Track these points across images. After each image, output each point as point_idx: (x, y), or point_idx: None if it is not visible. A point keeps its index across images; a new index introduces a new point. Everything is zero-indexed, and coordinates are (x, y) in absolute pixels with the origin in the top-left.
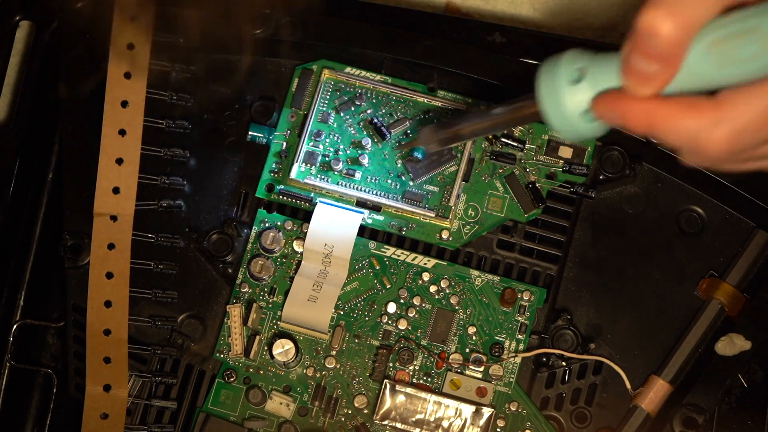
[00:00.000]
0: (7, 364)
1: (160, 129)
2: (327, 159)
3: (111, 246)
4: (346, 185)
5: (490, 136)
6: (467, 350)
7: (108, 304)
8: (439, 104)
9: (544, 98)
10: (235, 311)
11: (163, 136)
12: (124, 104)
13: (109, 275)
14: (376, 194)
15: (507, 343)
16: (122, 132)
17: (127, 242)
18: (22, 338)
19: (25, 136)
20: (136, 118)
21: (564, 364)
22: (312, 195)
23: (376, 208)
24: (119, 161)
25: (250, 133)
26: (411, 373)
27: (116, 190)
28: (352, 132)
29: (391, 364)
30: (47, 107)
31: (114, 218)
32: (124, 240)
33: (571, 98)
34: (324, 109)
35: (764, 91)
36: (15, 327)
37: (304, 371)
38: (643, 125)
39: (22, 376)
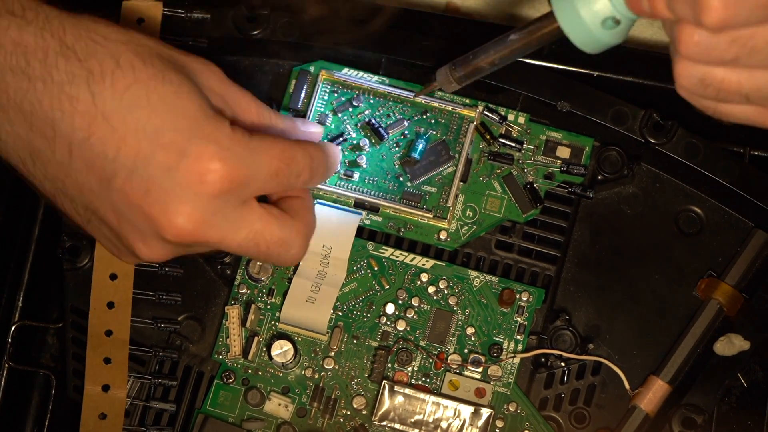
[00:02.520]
0: (6, 365)
1: None
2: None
3: None
4: (344, 186)
5: (488, 136)
6: (466, 351)
7: (111, 305)
8: (437, 105)
9: (562, 16)
10: (233, 312)
11: None
12: None
13: (113, 276)
14: (374, 195)
15: (505, 344)
16: None
17: None
18: (21, 339)
19: None
20: None
21: (563, 364)
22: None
23: (374, 209)
24: None
25: None
26: (409, 374)
27: None
28: (350, 133)
29: (389, 365)
30: None
31: None
32: None
33: (589, 11)
34: (322, 110)
35: None
36: (14, 328)
37: (303, 372)
38: None
39: (21, 378)
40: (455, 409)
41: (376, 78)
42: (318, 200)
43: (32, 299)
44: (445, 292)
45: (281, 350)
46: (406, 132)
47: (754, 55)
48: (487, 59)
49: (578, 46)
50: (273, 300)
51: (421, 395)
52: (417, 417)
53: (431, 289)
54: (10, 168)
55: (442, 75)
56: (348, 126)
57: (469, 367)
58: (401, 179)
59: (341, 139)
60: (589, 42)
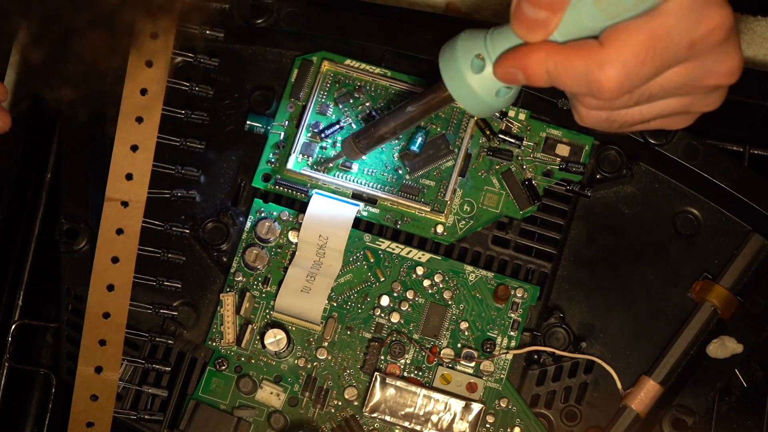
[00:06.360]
0: (6, 364)
1: (179, 119)
2: (324, 150)
3: (119, 231)
4: (342, 177)
5: (488, 132)
6: (459, 345)
7: (110, 287)
8: None
9: (455, 90)
10: (228, 300)
11: (181, 126)
12: (143, 92)
13: (115, 260)
14: (373, 187)
15: (499, 340)
16: (139, 119)
17: (137, 228)
18: (21, 338)
19: (25, 136)
20: (155, 106)
21: (553, 360)
22: (308, 186)
23: (371, 200)
24: (134, 148)
25: (248, 122)
26: (402, 367)
27: (129, 177)
28: (351, 124)
29: (382, 357)
30: (47, 107)
31: (125, 204)
32: (133, 226)
33: (481, 86)
34: (323, 100)
35: (639, 26)
36: (14, 327)
37: (296, 362)
38: (541, 72)
39: (21, 376)
40: (446, 403)
41: (378, 70)
42: (316, 190)
43: (32, 299)
44: (440, 286)
45: (275, 339)
46: None
47: (651, 98)
48: (386, 129)
49: (474, 114)
50: (268, 289)
51: (413, 388)
52: (408, 410)
53: (426, 283)
54: None
55: (346, 145)
56: (349, 117)
57: (462, 362)
58: (400, 172)
59: (337, 126)
60: (483, 110)
